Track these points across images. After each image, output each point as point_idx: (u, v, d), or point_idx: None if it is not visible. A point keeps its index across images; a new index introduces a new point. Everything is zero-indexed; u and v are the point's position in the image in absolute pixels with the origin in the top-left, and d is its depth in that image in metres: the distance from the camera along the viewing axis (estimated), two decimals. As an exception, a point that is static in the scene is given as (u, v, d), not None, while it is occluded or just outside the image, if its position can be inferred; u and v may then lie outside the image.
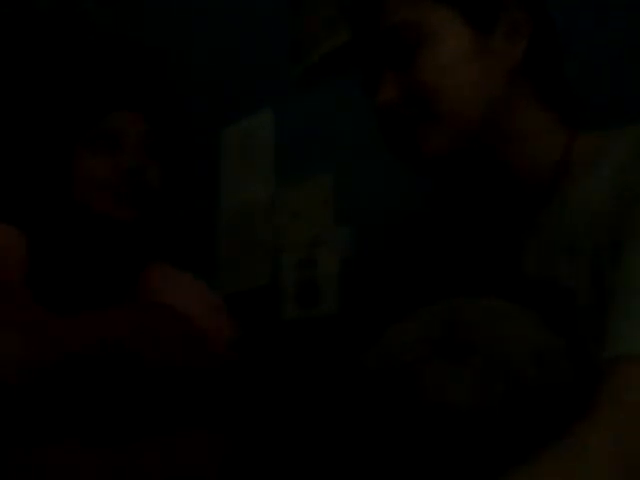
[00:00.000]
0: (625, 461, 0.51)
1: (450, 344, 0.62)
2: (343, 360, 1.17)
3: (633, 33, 0.93)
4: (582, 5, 0.98)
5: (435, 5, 0.71)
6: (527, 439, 0.54)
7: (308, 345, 1.35)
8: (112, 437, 0.87)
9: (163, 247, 1.12)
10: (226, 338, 1.05)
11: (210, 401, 0.98)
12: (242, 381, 1.06)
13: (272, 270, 1.45)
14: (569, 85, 0.77)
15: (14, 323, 0.85)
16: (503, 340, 0.61)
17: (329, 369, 1.25)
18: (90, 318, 0.91)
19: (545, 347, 0.61)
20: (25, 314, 0.88)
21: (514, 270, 0.73)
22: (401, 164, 0.79)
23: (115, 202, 0.95)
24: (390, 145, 0.77)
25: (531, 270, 0.71)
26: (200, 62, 1.69)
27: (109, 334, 0.90)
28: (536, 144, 0.72)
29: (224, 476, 0.99)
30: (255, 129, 1.55)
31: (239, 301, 1.44)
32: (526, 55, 0.71)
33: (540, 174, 0.72)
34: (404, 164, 0.78)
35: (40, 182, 1.03)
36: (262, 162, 1.52)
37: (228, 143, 1.62)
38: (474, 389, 0.58)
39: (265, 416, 1.25)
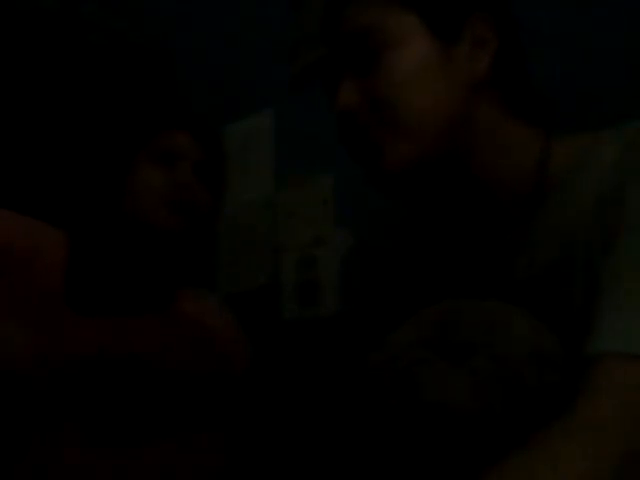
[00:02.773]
0: (625, 460, 0.51)
1: (450, 344, 0.62)
2: (343, 360, 1.17)
3: (633, 33, 0.93)
4: (582, 4, 0.98)
5: (400, 11, 0.70)
6: (527, 439, 0.54)
7: (308, 345, 1.35)
8: (115, 438, 0.88)
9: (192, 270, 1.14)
10: (242, 367, 1.07)
11: (214, 404, 0.99)
12: (244, 383, 1.07)
13: (272, 270, 1.45)
14: (537, 90, 0.75)
15: (31, 318, 0.87)
16: (503, 340, 0.61)
17: (329, 369, 1.25)
18: (110, 323, 0.93)
19: (544, 347, 0.61)
20: (46, 311, 0.89)
21: (507, 275, 0.72)
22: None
23: (165, 211, 0.96)
24: (353, 157, 0.75)
25: (524, 274, 0.70)
26: (200, 62, 1.69)
27: (122, 342, 0.92)
28: (510, 153, 0.71)
29: (227, 477, 0.99)
30: (255, 129, 1.55)
31: (239, 301, 1.44)
32: (493, 66, 0.70)
33: (521, 181, 0.70)
34: (368, 181, 0.75)
35: (92, 189, 1.07)
36: (262, 162, 1.52)
37: (228, 143, 1.62)
38: (474, 389, 0.58)
39: (265, 417, 1.25)
